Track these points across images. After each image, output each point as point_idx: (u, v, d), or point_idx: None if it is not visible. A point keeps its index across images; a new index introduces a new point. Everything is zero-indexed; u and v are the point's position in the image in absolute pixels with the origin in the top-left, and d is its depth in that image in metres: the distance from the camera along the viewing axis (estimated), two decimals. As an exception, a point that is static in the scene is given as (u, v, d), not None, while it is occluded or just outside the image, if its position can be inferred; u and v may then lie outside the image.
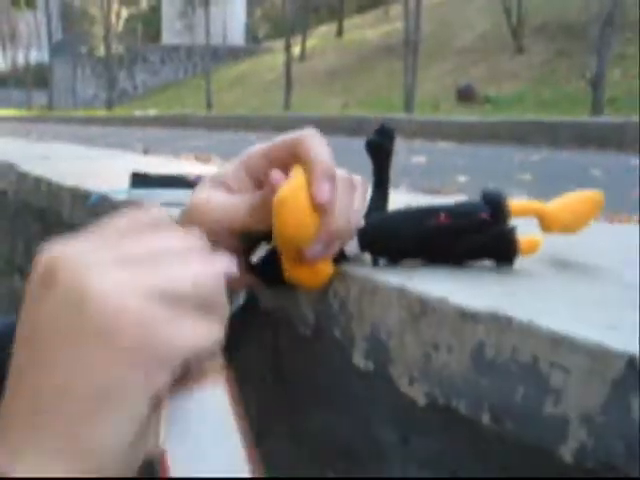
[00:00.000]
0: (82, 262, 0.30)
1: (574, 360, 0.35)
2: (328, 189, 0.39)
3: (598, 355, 0.34)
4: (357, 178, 0.44)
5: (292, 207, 0.39)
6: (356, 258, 0.48)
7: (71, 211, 1.14)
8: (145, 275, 0.31)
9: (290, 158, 0.42)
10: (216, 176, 0.46)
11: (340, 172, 0.42)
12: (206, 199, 0.45)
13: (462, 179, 3.17)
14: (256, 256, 0.47)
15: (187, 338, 0.30)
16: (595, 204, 0.48)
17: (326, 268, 0.44)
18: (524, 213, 0.47)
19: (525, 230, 0.46)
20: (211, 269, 0.32)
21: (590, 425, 0.34)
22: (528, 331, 0.37)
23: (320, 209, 0.40)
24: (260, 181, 0.44)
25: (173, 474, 0.32)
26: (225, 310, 0.33)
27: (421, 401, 0.43)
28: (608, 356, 0.33)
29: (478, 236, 0.44)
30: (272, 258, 0.44)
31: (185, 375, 0.32)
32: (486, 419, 0.39)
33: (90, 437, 0.29)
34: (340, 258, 0.46)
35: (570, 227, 0.48)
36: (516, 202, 0.46)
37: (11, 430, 0.30)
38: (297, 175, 0.40)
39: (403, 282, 0.44)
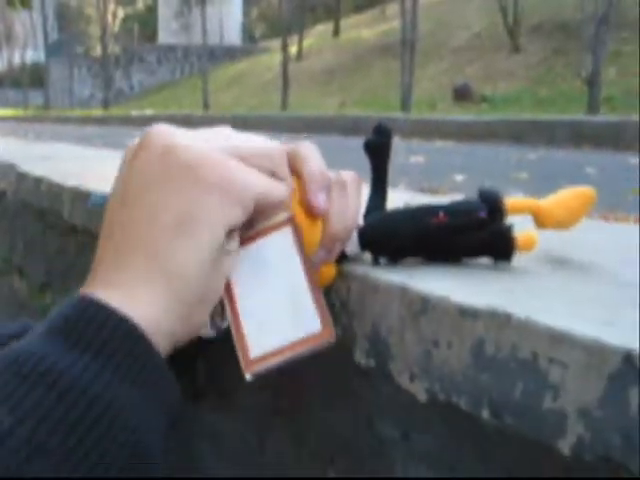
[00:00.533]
0: (172, 130, 0.37)
1: (572, 356, 0.35)
2: (323, 199, 0.41)
3: (595, 350, 0.34)
4: (348, 176, 0.45)
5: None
6: (357, 257, 0.48)
7: (71, 211, 1.14)
8: (221, 142, 0.37)
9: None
10: None
11: (333, 176, 0.44)
12: None
13: (459, 178, 3.18)
14: None
15: (258, 183, 0.36)
16: (588, 200, 0.49)
17: (329, 270, 0.45)
18: (519, 211, 0.47)
19: (519, 227, 0.47)
20: (276, 146, 0.38)
21: (588, 419, 0.35)
22: (527, 328, 0.37)
23: (317, 218, 0.42)
24: None
25: (239, 300, 0.37)
26: (289, 180, 0.39)
27: (422, 397, 0.44)
28: (605, 351, 0.34)
29: (476, 234, 0.45)
30: None
31: (255, 225, 0.38)
32: (486, 414, 0.39)
33: (173, 259, 0.34)
34: (341, 258, 0.46)
35: (564, 223, 0.49)
36: (512, 200, 0.47)
37: (102, 264, 0.36)
38: (294, 189, 0.42)
39: (403, 280, 0.44)
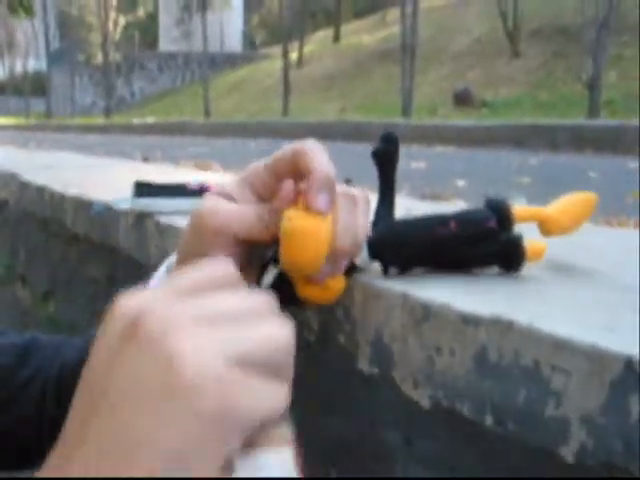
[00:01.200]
0: (165, 319, 0.31)
1: (574, 363, 0.36)
2: (324, 199, 0.39)
3: (597, 357, 0.35)
4: (358, 192, 0.44)
5: (300, 239, 0.39)
6: (366, 268, 0.48)
7: (74, 220, 1.14)
8: (223, 338, 0.31)
9: (291, 170, 0.42)
10: (219, 191, 0.46)
11: (341, 188, 0.42)
12: (213, 206, 0.45)
13: (461, 184, 3.18)
14: (264, 281, 0.46)
15: (263, 404, 0.31)
16: (590, 205, 0.49)
17: (337, 284, 0.44)
18: (526, 219, 0.47)
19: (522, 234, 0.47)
20: (283, 332, 0.33)
21: (590, 426, 0.35)
22: (529, 334, 0.38)
23: (319, 218, 0.40)
24: (262, 196, 0.44)
25: None
26: (291, 372, 0.34)
27: (425, 404, 0.44)
28: (606, 358, 0.34)
29: (486, 244, 0.45)
30: (282, 279, 0.44)
31: (251, 437, 0.32)
32: (489, 421, 0.40)
33: None
34: (351, 270, 0.46)
35: (568, 229, 0.49)
36: (519, 208, 0.47)
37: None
38: (301, 203, 0.41)
39: (406, 288, 0.45)
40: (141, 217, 0.89)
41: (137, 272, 0.95)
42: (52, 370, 0.52)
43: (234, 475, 0.32)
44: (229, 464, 0.32)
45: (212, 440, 0.30)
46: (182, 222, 0.80)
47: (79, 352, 0.51)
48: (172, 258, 0.47)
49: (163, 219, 0.83)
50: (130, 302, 0.32)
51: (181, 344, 0.30)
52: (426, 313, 0.43)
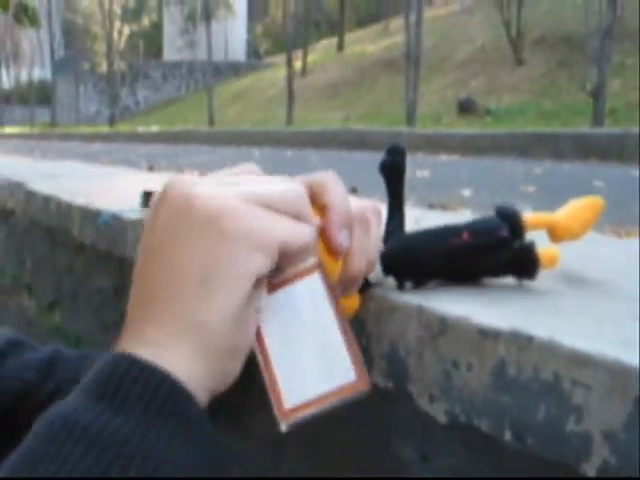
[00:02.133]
0: (192, 180, 0.36)
1: (595, 377, 0.35)
2: (345, 237, 0.40)
3: (619, 372, 0.34)
4: (370, 208, 0.43)
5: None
6: (380, 283, 0.47)
7: (81, 230, 1.14)
8: (242, 188, 0.36)
9: (310, 199, 0.42)
10: None
11: (353, 205, 0.42)
12: None
13: (467, 193, 3.17)
14: None
15: (282, 229, 0.35)
16: (598, 210, 0.49)
17: (352, 303, 0.44)
18: (537, 226, 0.47)
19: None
20: (297, 188, 0.38)
21: (613, 442, 0.34)
22: (549, 349, 0.37)
23: (338, 255, 0.41)
24: None
25: (271, 350, 0.37)
26: (313, 221, 0.38)
27: (441, 419, 0.43)
28: (630, 373, 0.34)
29: (500, 253, 0.45)
30: None
31: (282, 272, 0.37)
32: (508, 437, 0.39)
33: (200, 314, 0.34)
34: (365, 287, 0.45)
35: (576, 236, 0.49)
36: (529, 216, 0.46)
37: (133, 320, 0.36)
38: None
39: (421, 301, 0.44)
40: (149, 227, 0.88)
41: (145, 282, 0.94)
42: (74, 384, 0.53)
43: (268, 301, 0.37)
44: (261, 283, 0.36)
45: (239, 256, 0.34)
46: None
47: None
48: None
49: (171, 229, 0.83)
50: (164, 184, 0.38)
51: (199, 191, 0.35)
52: (443, 326, 0.42)
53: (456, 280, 0.47)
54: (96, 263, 1.14)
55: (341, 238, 0.40)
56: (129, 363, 0.32)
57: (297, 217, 0.37)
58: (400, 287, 0.47)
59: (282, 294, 0.38)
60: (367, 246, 0.42)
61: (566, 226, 0.48)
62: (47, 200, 1.33)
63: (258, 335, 0.37)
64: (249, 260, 0.34)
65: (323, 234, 0.40)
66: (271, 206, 0.36)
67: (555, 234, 0.48)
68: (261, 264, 0.35)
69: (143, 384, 0.31)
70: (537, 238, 0.47)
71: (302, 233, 0.36)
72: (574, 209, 0.49)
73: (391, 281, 0.47)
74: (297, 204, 0.37)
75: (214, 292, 0.34)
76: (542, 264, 0.45)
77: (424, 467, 0.46)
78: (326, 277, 0.39)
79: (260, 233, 0.34)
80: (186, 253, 0.35)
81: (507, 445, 0.39)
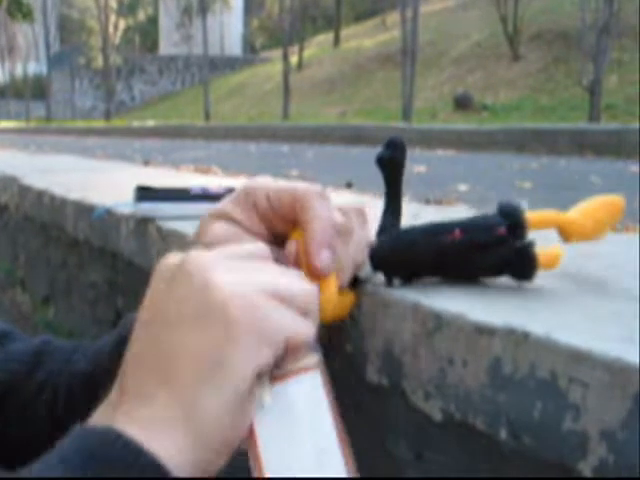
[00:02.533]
0: (214, 261, 0.36)
1: (593, 375, 0.34)
2: (327, 258, 0.40)
3: (618, 370, 0.33)
4: (352, 213, 0.43)
5: None
6: (369, 279, 0.47)
7: (75, 224, 1.13)
8: (258, 277, 0.36)
9: (291, 211, 0.42)
10: (221, 213, 0.44)
11: (336, 215, 0.42)
12: (215, 236, 0.44)
13: (463, 188, 3.17)
14: None
15: (290, 325, 0.35)
16: (616, 210, 0.47)
17: (346, 300, 0.43)
18: (543, 225, 0.45)
19: (540, 239, 0.45)
20: (308, 285, 0.37)
21: (610, 441, 0.34)
22: (545, 346, 0.36)
23: (320, 276, 0.40)
24: (266, 218, 0.43)
25: (262, 452, 0.35)
26: (317, 316, 0.37)
27: (436, 417, 0.42)
28: (628, 371, 0.33)
29: (495, 252, 0.43)
30: None
31: (284, 366, 0.36)
32: (504, 435, 0.38)
33: (198, 405, 0.33)
34: (354, 283, 0.45)
35: (591, 236, 0.47)
36: (534, 214, 0.45)
37: (127, 394, 0.34)
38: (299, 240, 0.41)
39: (417, 297, 0.43)
40: (143, 222, 0.88)
41: (138, 277, 0.94)
42: (63, 376, 0.52)
43: (265, 397, 0.36)
44: (262, 378, 0.35)
45: (246, 349, 0.33)
46: (185, 227, 0.79)
47: (91, 363, 0.52)
48: None
49: (165, 224, 0.82)
50: (175, 256, 0.37)
51: (218, 276, 0.34)
52: (438, 323, 0.42)
53: (449, 277, 0.46)
54: (90, 258, 1.13)
55: (321, 258, 0.40)
56: (120, 443, 0.31)
57: (304, 313, 0.36)
58: (389, 284, 0.46)
59: (280, 389, 0.36)
60: (352, 254, 0.42)
61: (577, 225, 0.46)
62: (41, 195, 1.32)
63: (251, 430, 0.35)
64: (255, 354, 0.34)
65: (304, 253, 0.40)
66: (285, 299, 0.35)
67: (565, 234, 0.46)
68: (266, 358, 0.34)
69: (129, 466, 0.31)
70: (546, 237, 0.46)
71: (307, 330, 0.36)
72: (588, 208, 0.47)
73: (381, 278, 0.46)
74: (307, 301, 0.37)
75: (215, 385, 0.33)
76: (540, 264, 0.44)
77: (419, 465, 0.45)
78: (326, 377, 0.38)
79: (269, 327, 0.34)
80: (195, 338, 0.34)
81: (503, 443, 0.39)
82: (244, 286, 0.34)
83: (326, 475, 0.35)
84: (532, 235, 0.45)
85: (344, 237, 0.42)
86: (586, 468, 0.35)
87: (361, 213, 0.44)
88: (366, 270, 0.45)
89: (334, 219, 0.41)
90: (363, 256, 0.43)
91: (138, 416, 0.33)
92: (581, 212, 0.46)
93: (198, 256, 0.36)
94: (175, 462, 0.32)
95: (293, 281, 0.37)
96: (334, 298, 0.41)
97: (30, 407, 0.52)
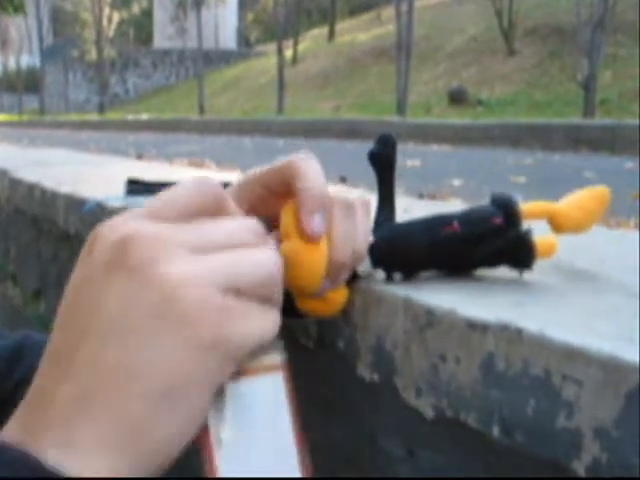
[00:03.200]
0: (154, 245, 0.29)
1: (587, 372, 0.34)
2: (319, 221, 0.37)
3: (612, 367, 0.33)
4: (356, 198, 0.41)
5: (294, 265, 0.37)
6: (369, 275, 0.46)
7: (66, 218, 1.12)
8: (214, 265, 0.30)
9: (283, 185, 0.39)
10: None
11: (337, 196, 0.40)
12: None
13: (457, 182, 3.17)
14: None
15: (256, 330, 0.31)
16: (604, 200, 0.47)
17: (339, 296, 0.42)
18: (535, 215, 0.45)
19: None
20: (272, 258, 0.32)
21: (604, 439, 0.33)
22: (539, 342, 0.36)
23: (313, 242, 0.37)
24: (256, 208, 0.41)
25: (216, 453, 0.32)
26: (280, 297, 0.33)
27: (428, 414, 0.42)
28: (622, 368, 0.33)
29: (493, 242, 0.43)
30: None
31: (242, 364, 0.32)
32: (496, 432, 0.38)
33: (151, 434, 0.28)
34: (353, 278, 0.44)
35: (581, 226, 0.47)
36: (526, 205, 0.45)
37: (57, 406, 0.28)
38: (291, 223, 0.38)
39: (409, 292, 0.43)
40: (133, 216, 0.87)
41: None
42: None
43: (224, 402, 0.32)
44: (220, 391, 0.31)
45: (208, 369, 0.29)
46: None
47: None
48: None
49: (156, 218, 0.81)
50: (115, 229, 0.30)
51: (173, 271, 0.28)
52: (430, 319, 0.41)
53: (449, 270, 0.46)
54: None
55: (313, 222, 0.36)
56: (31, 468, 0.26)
57: (268, 296, 0.32)
58: (389, 279, 0.45)
59: (239, 387, 0.34)
60: (352, 234, 0.39)
61: (568, 216, 0.46)
62: (32, 188, 1.31)
63: (203, 427, 0.32)
64: (217, 372, 0.29)
65: (296, 219, 0.37)
66: (247, 292, 0.31)
67: (556, 224, 0.46)
68: (228, 373, 0.30)
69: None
70: (535, 228, 0.45)
71: (274, 324, 0.32)
72: (577, 198, 0.47)
73: (380, 273, 0.46)
74: (270, 287, 0.32)
75: (172, 412, 0.28)
76: (539, 253, 0.44)
77: (410, 462, 0.45)
78: (290, 378, 0.36)
79: (237, 341, 0.30)
80: (149, 347, 0.28)
81: (495, 441, 0.38)
82: (206, 285, 0.29)
83: (283, 476, 0.34)
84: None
85: (347, 212, 0.39)
86: (580, 466, 0.34)
87: (366, 204, 0.42)
88: (365, 266, 0.44)
89: (325, 184, 0.38)
90: (364, 248, 0.42)
91: (71, 438, 0.28)
92: (571, 203, 0.46)
93: (143, 239, 0.29)
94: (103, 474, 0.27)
95: (257, 258, 0.32)
96: (323, 266, 0.38)
97: (10, 404, 0.52)
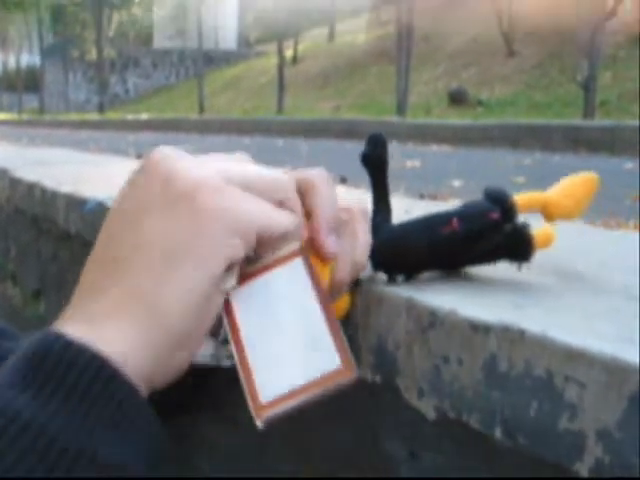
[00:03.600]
0: (176, 155, 0.34)
1: (590, 374, 0.34)
2: (333, 242, 0.39)
3: (614, 369, 0.33)
4: (357, 210, 0.42)
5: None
6: (370, 279, 0.46)
7: (66, 218, 1.12)
8: (226, 167, 0.35)
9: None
10: None
11: (339, 207, 0.40)
12: None
13: (457, 183, 3.16)
14: None
15: (262, 213, 0.34)
16: (592, 186, 0.47)
17: (342, 303, 0.43)
18: (529, 207, 0.45)
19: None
20: (284, 176, 0.36)
21: (607, 441, 0.33)
22: (542, 344, 0.36)
23: (327, 261, 0.39)
24: None
25: (247, 340, 0.34)
26: (297, 209, 0.36)
27: (430, 415, 0.42)
28: (625, 370, 0.33)
29: (492, 238, 0.43)
30: None
31: (263, 257, 0.35)
32: (498, 434, 0.38)
33: (158, 295, 0.31)
34: (355, 285, 0.44)
35: (572, 214, 0.47)
36: (520, 197, 0.45)
37: (81, 291, 0.33)
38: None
39: (411, 293, 0.43)
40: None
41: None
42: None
43: (245, 289, 0.35)
44: (233, 269, 0.34)
45: (213, 236, 0.32)
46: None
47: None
48: None
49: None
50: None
51: (180, 165, 0.33)
52: (432, 320, 0.41)
53: (450, 269, 0.46)
54: (81, 252, 1.12)
55: (329, 243, 0.38)
56: (60, 345, 0.29)
57: (281, 204, 0.35)
58: (391, 281, 0.45)
59: (260, 282, 0.36)
60: (354, 251, 0.40)
61: (558, 204, 0.46)
62: (32, 188, 1.31)
63: (233, 326, 0.35)
64: (222, 242, 0.32)
65: (311, 239, 0.38)
66: (256, 189, 0.34)
67: (548, 213, 0.47)
68: (235, 248, 0.32)
69: (66, 367, 0.28)
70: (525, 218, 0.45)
71: (284, 219, 0.35)
72: (566, 186, 0.47)
73: (382, 275, 0.46)
74: (282, 191, 0.35)
75: (177, 273, 0.31)
76: (537, 245, 0.44)
77: (412, 464, 0.44)
78: (310, 261, 0.37)
79: (238, 215, 0.33)
80: (156, 226, 0.32)
81: (498, 442, 0.38)
82: (211, 174, 0.33)
83: (314, 354, 0.34)
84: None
85: (349, 230, 0.40)
86: (582, 468, 0.34)
87: (364, 212, 0.42)
88: (366, 270, 0.44)
89: (337, 203, 0.40)
90: (365, 258, 0.42)
91: (87, 312, 0.31)
92: (560, 192, 0.46)
93: (161, 150, 0.35)
94: (129, 357, 0.30)
95: (267, 173, 0.36)
96: (327, 282, 0.40)
97: None
